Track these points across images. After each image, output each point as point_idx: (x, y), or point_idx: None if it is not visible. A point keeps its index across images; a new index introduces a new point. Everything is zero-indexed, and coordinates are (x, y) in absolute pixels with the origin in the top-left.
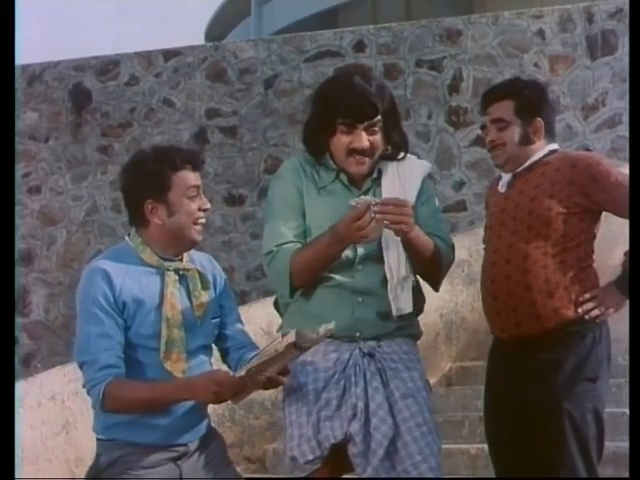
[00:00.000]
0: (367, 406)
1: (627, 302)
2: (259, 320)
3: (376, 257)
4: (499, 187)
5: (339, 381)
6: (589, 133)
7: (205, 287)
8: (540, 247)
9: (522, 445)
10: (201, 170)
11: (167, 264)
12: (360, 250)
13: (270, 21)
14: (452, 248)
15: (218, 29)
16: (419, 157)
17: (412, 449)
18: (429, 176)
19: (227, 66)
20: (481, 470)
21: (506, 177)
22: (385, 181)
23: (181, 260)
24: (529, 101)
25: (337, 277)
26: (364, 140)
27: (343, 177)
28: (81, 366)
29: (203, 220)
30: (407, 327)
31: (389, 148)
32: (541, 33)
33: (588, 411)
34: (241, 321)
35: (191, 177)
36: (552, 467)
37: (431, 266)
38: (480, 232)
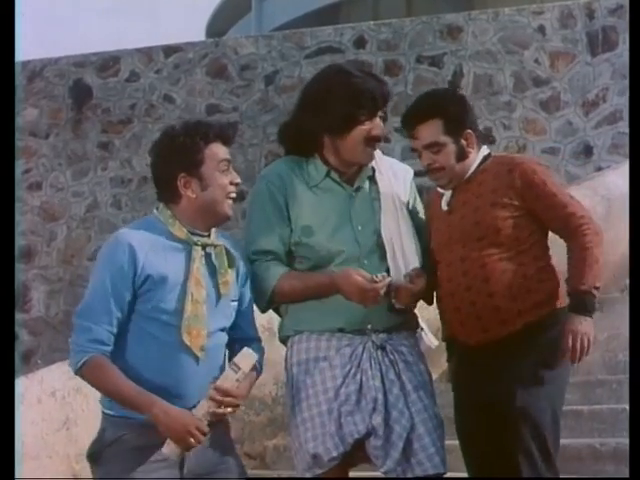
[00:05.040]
0: (386, 398)
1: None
2: (260, 317)
3: (381, 250)
4: (442, 205)
5: (356, 375)
6: (590, 129)
7: (231, 265)
8: (495, 254)
9: (488, 444)
10: (231, 144)
11: (195, 239)
12: (361, 245)
13: (271, 17)
14: None
15: (219, 25)
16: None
17: (426, 441)
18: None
19: (228, 62)
20: None
21: (447, 193)
22: (382, 182)
23: (209, 237)
24: (456, 116)
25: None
26: (382, 127)
27: (334, 175)
28: (74, 323)
29: (234, 194)
30: (412, 320)
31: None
32: (542, 29)
33: (545, 410)
34: (253, 313)
35: (222, 151)
36: (514, 465)
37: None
38: None
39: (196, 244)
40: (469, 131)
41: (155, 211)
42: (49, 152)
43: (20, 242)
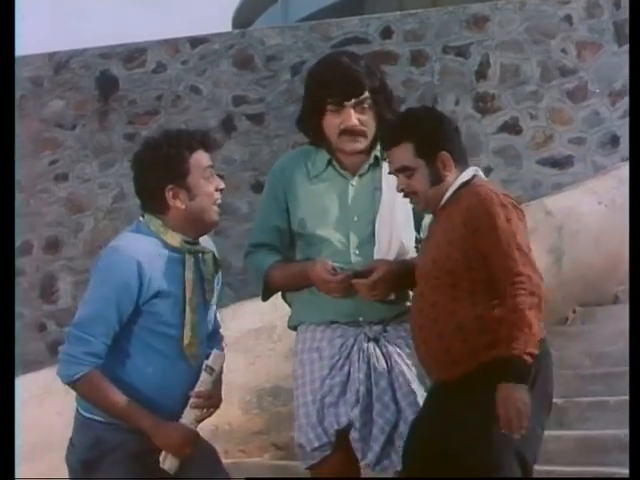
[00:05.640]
0: (370, 392)
1: None
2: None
3: (372, 240)
4: (420, 232)
5: (343, 367)
6: (616, 119)
7: (217, 271)
8: (448, 293)
9: None
10: (213, 150)
11: (188, 247)
12: (354, 235)
13: (297, 8)
14: None
15: (245, 16)
16: None
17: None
18: None
19: (254, 53)
20: None
21: (427, 219)
22: (384, 168)
23: (198, 244)
24: (427, 138)
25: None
26: (353, 119)
27: (335, 164)
28: (70, 333)
29: (220, 200)
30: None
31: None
32: (568, 19)
33: (506, 454)
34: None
35: (205, 158)
36: None
37: None
38: None
39: (189, 252)
40: (444, 153)
41: (142, 219)
42: (75, 143)
43: (46, 233)
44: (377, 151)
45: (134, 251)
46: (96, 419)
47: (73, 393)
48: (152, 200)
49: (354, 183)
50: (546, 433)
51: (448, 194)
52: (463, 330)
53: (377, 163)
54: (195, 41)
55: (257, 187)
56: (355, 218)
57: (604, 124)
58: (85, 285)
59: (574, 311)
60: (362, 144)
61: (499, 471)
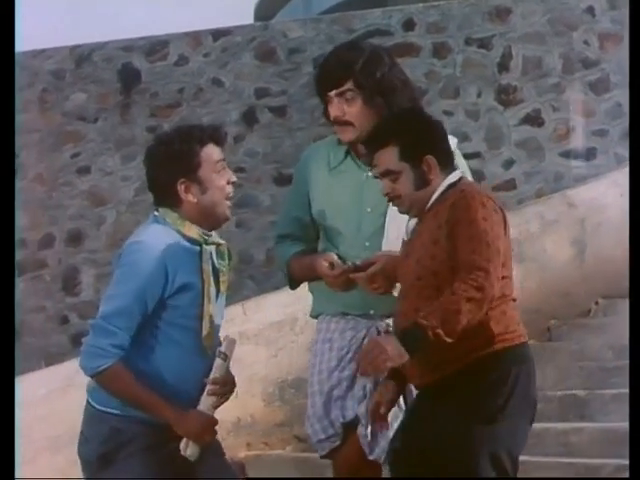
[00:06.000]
0: (377, 387)
1: None
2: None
3: (383, 232)
4: (403, 235)
5: (352, 360)
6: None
7: (229, 263)
8: (431, 298)
9: None
10: (224, 144)
11: (205, 238)
12: (366, 226)
13: (319, 0)
14: None
15: (267, 9)
16: (468, 136)
17: None
18: (457, 155)
19: (276, 46)
20: (531, 449)
21: (412, 222)
22: None
23: (211, 235)
24: (412, 141)
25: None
26: (335, 109)
27: (353, 154)
28: (95, 325)
29: (232, 194)
30: None
31: None
32: (590, 10)
33: (481, 456)
34: None
35: (216, 151)
36: None
37: None
38: (530, 211)
39: (206, 243)
40: (430, 157)
41: (156, 213)
42: (97, 136)
43: (69, 226)
44: None
45: (158, 246)
46: (111, 412)
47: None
48: (165, 194)
49: (370, 174)
50: (568, 425)
51: (435, 196)
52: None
53: None
54: (217, 34)
55: (279, 180)
56: (368, 209)
57: (626, 116)
58: (108, 278)
59: (596, 303)
60: (351, 134)
61: (476, 472)
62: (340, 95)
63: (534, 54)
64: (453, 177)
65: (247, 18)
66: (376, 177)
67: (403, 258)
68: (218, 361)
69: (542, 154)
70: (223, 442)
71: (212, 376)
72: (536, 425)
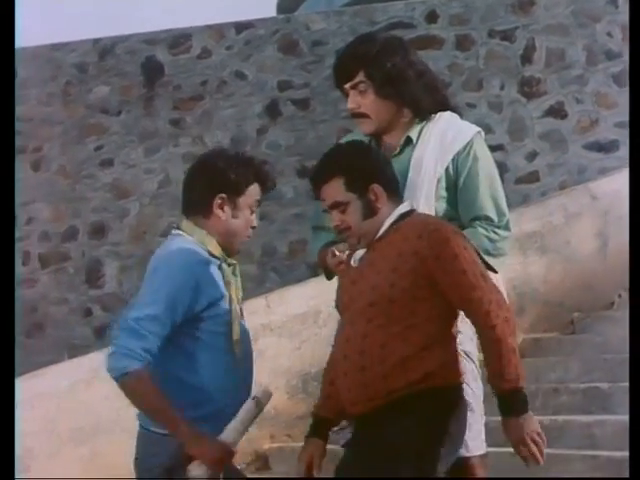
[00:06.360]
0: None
1: None
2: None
3: None
4: (352, 261)
5: None
6: None
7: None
8: (381, 325)
9: None
10: (268, 190)
11: (225, 257)
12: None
13: None
14: (503, 220)
15: (289, 1)
16: (491, 128)
17: None
18: (478, 143)
19: (299, 38)
20: (554, 442)
21: (360, 250)
22: (417, 150)
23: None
24: (357, 172)
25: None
26: (350, 101)
27: (374, 143)
28: (126, 326)
29: (249, 237)
30: None
31: (407, 111)
32: (614, 2)
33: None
34: None
35: (258, 192)
36: None
37: None
38: (553, 203)
39: (225, 262)
40: (376, 185)
41: (179, 231)
42: (120, 129)
43: (92, 219)
44: (410, 131)
45: (189, 259)
46: (157, 431)
47: None
48: (199, 202)
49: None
50: (591, 418)
51: (386, 226)
52: (385, 366)
53: (409, 143)
54: (240, 26)
55: (302, 172)
56: None
57: None
58: (131, 270)
59: (620, 296)
60: (367, 125)
61: None
62: (354, 87)
63: (557, 46)
64: (403, 207)
65: (270, 11)
66: (325, 211)
67: (349, 284)
68: (250, 403)
69: (565, 146)
70: (246, 434)
71: (241, 416)
72: (559, 417)
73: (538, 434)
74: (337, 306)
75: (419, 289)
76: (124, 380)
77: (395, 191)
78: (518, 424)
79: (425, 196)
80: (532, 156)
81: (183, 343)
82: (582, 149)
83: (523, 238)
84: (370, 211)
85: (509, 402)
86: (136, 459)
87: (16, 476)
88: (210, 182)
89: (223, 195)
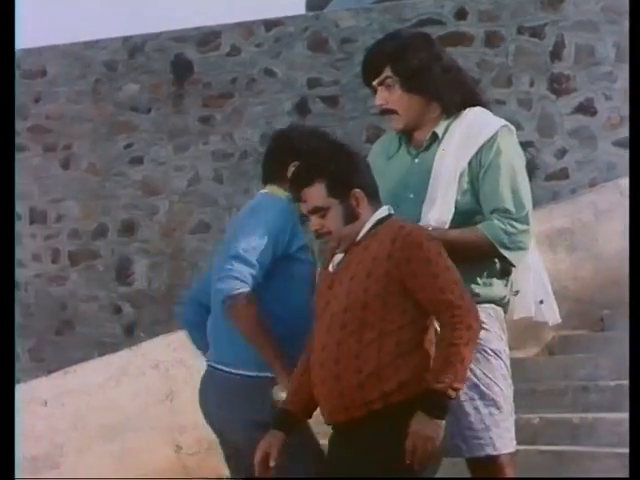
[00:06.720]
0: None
1: None
2: None
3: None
4: (329, 267)
5: None
6: None
7: None
8: (354, 332)
9: None
10: None
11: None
12: (407, 212)
13: None
14: (521, 212)
15: None
16: (520, 125)
17: (463, 424)
18: (504, 136)
19: (328, 35)
20: (583, 439)
21: (338, 255)
22: (442, 144)
23: None
24: (339, 176)
25: None
26: (379, 97)
27: (405, 142)
28: (235, 255)
29: None
30: (475, 295)
31: (439, 106)
32: None
33: None
34: None
35: None
36: None
37: (483, 255)
38: (582, 200)
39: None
40: (357, 190)
41: (265, 191)
42: (150, 127)
43: (122, 216)
44: (437, 127)
45: (284, 207)
46: (266, 375)
47: (149, 375)
48: (276, 170)
49: (417, 160)
50: (621, 415)
51: (364, 230)
52: (361, 375)
53: (436, 139)
54: (269, 24)
55: None
56: (411, 195)
57: None
58: (160, 267)
59: None
60: (396, 121)
61: None
62: (381, 83)
63: (587, 42)
64: (381, 212)
65: (299, 8)
66: (303, 216)
67: (326, 289)
68: None
69: (595, 143)
70: None
71: None
72: (589, 415)
73: (432, 444)
74: (314, 310)
75: (391, 295)
76: (232, 302)
77: (375, 195)
78: (424, 424)
79: (445, 191)
80: (562, 153)
81: (275, 279)
82: (612, 146)
83: (553, 235)
84: (351, 216)
85: (430, 401)
86: (222, 414)
87: (46, 473)
88: (285, 151)
89: (296, 163)
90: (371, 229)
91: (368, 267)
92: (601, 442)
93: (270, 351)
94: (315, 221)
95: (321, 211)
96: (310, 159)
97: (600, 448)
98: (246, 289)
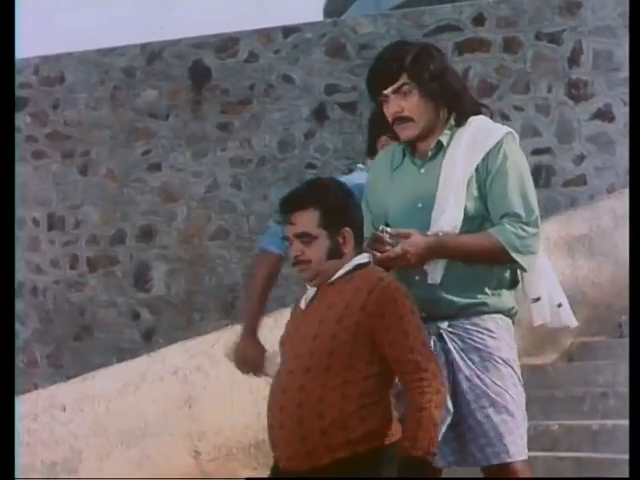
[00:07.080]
0: None
1: None
2: None
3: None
4: (300, 302)
5: None
6: None
7: None
8: (318, 378)
9: None
10: None
11: None
12: (415, 222)
13: None
14: (531, 216)
15: (337, 5)
16: (538, 131)
17: (476, 432)
18: (509, 142)
19: (346, 42)
20: (602, 446)
21: (310, 290)
22: (448, 153)
23: None
24: (334, 210)
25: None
26: (393, 105)
27: (409, 152)
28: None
29: None
30: (484, 304)
31: (446, 114)
32: None
33: None
34: None
35: None
36: None
37: (495, 259)
38: (601, 206)
39: None
40: (347, 229)
41: (361, 166)
42: (168, 133)
43: (140, 222)
44: (441, 136)
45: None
46: None
47: (168, 381)
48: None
49: (423, 170)
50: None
51: (341, 272)
52: (324, 422)
53: (441, 148)
54: (287, 30)
55: None
56: (419, 205)
57: None
58: (179, 273)
59: None
60: (412, 129)
61: None
62: (396, 91)
63: (604, 48)
64: (361, 258)
65: (317, 15)
66: (284, 239)
67: (293, 328)
68: None
69: (613, 149)
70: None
71: None
72: (608, 422)
73: None
74: (281, 344)
75: (359, 345)
76: (257, 254)
77: (360, 239)
78: None
79: (455, 197)
80: (580, 159)
81: None
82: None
83: (572, 241)
84: (335, 252)
85: (410, 468)
86: None
87: (64, 477)
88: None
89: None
90: (347, 273)
91: (339, 313)
92: (620, 449)
93: (251, 307)
94: (297, 246)
95: (307, 238)
96: (309, 184)
97: (619, 455)
98: (271, 249)
